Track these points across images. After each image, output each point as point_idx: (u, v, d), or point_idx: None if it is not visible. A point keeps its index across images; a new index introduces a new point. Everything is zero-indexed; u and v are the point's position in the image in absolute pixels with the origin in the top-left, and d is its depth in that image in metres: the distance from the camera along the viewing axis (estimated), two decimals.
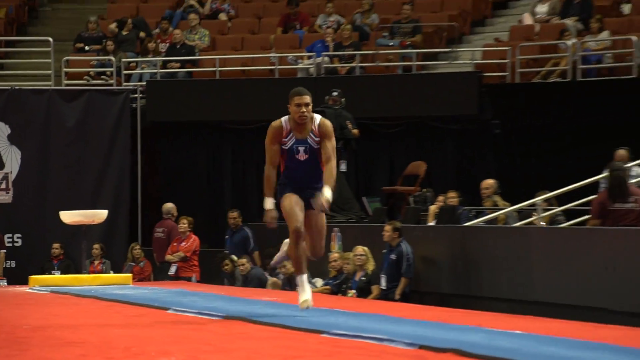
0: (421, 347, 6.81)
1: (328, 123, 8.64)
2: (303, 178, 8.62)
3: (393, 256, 13.88)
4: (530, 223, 14.14)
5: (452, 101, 18.21)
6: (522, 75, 18.67)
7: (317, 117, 8.61)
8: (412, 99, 18.43)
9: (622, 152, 14.51)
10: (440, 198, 15.53)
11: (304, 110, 8.51)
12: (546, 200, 14.50)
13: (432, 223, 15.18)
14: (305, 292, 8.77)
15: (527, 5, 21.08)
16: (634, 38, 17.89)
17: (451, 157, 18.60)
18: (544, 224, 14.14)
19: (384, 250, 13.95)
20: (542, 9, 20.13)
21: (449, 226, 14.57)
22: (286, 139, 8.58)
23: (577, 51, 18.24)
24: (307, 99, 8.53)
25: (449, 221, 14.79)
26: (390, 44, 20.02)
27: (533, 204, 14.38)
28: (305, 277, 8.85)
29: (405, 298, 13.69)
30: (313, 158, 8.61)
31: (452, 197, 15.14)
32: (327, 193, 8.48)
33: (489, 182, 15.09)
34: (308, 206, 8.62)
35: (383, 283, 13.92)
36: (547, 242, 12.58)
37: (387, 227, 13.92)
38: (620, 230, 11.76)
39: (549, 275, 12.23)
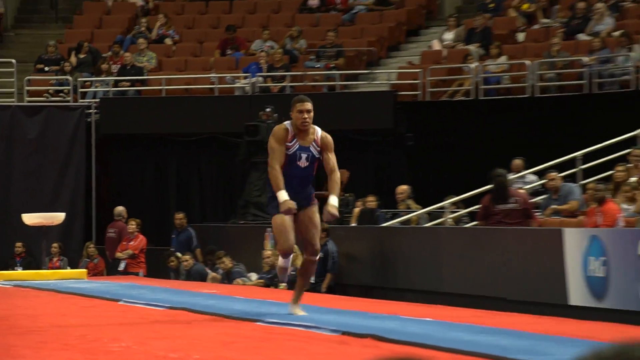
0: (344, 333, 6.84)
1: (330, 137, 8.10)
2: (299, 185, 7.97)
3: (320, 254, 13.85)
4: (439, 224, 14.23)
5: (371, 117, 18.29)
6: (432, 94, 18.82)
7: (318, 129, 8.02)
8: (336, 114, 18.41)
9: (517, 162, 14.67)
10: (360, 202, 15.57)
11: (306, 116, 7.88)
12: (454, 203, 14.61)
13: (354, 224, 15.21)
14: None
15: (436, 33, 21.27)
16: (527, 62, 18.11)
17: (370, 165, 18.66)
18: (452, 222, 14.24)
19: None
20: (448, 36, 20.32)
21: (369, 227, 14.62)
22: (290, 144, 7.90)
23: (479, 73, 18.42)
24: (309, 105, 7.93)
25: (369, 222, 14.84)
26: (317, 66, 20.06)
27: (442, 207, 14.48)
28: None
29: (331, 290, 13.70)
30: (311, 166, 8.02)
31: (371, 201, 15.19)
32: (334, 201, 7.93)
33: (403, 188, 15.18)
34: (301, 207, 8.03)
35: (312, 277, 13.89)
36: (454, 240, 12.66)
37: None
38: (512, 229, 11.87)
39: (456, 269, 12.31)
